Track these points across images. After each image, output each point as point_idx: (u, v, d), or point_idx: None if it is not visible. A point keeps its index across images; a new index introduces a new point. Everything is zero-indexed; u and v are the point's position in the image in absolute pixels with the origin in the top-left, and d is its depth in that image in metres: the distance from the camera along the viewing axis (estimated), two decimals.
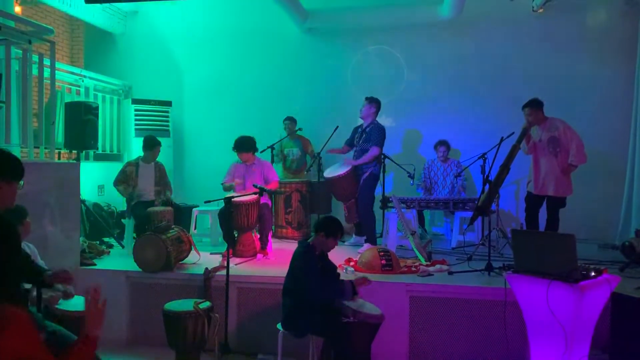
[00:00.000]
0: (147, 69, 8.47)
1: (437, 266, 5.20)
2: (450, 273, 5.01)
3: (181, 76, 8.46)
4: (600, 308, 3.28)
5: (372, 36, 7.89)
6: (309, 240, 4.17)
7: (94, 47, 8.70)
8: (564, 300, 3.03)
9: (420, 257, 5.42)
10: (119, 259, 5.70)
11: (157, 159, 6.50)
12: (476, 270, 5.05)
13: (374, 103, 6.30)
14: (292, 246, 6.68)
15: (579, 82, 7.20)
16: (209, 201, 5.03)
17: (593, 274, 3.12)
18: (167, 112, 8.06)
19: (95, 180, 7.41)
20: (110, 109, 8.05)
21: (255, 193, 4.65)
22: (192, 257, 5.55)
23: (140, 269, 5.09)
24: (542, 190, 5.87)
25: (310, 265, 4.01)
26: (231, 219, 5.36)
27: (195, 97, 8.42)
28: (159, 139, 7.69)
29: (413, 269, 5.14)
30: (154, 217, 5.84)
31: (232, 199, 4.91)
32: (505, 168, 5.34)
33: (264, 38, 8.14)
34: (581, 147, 5.63)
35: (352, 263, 5.28)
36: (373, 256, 5.16)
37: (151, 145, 6.23)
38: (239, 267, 5.33)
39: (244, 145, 6.04)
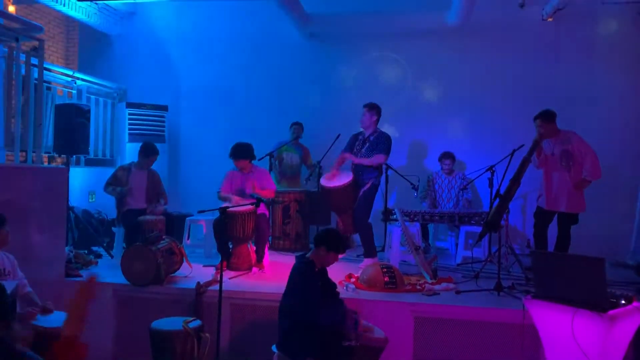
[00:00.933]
0: (143, 72, 8.21)
1: (443, 284, 4.91)
2: (458, 292, 4.73)
3: (178, 80, 8.20)
4: (629, 339, 3.00)
5: (376, 42, 7.64)
6: (307, 255, 3.89)
7: (89, 48, 8.44)
8: (590, 330, 2.75)
9: (425, 274, 5.13)
10: (106, 271, 5.39)
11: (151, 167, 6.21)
12: (485, 290, 4.76)
13: (375, 110, 5.96)
14: (289, 259, 6.40)
15: (590, 92, 6.96)
16: (203, 211, 4.73)
17: (623, 302, 2.84)
18: (163, 117, 7.79)
19: (85, 186, 7.13)
20: (104, 113, 7.77)
21: (252, 203, 4.36)
22: (184, 269, 5.25)
23: (128, 282, 4.79)
24: (554, 205, 5.60)
25: (310, 283, 3.73)
26: (226, 229, 5.07)
27: (192, 102, 8.16)
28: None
29: (418, 287, 4.85)
30: (145, 226, 5.57)
31: (228, 209, 4.61)
32: (515, 182, 5.08)
33: (264, 43, 7.89)
34: (596, 162, 5.38)
35: (353, 279, 4.99)
36: (375, 272, 4.87)
37: (147, 153, 5.94)
38: (233, 282, 5.04)
39: (241, 152, 5.76)
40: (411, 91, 7.49)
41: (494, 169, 5.99)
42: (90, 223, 6.72)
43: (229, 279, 5.06)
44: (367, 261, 5.76)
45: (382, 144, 5.84)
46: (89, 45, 8.44)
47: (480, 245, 6.31)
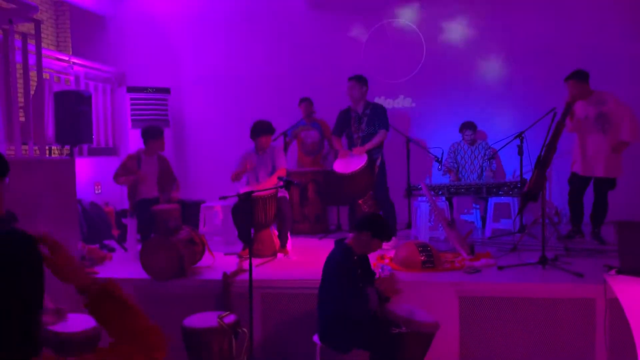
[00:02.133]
0: (142, 55, 7.81)
1: (483, 260, 4.63)
2: (500, 268, 4.46)
3: (179, 61, 7.80)
4: None
5: (388, 9, 7.24)
6: (346, 241, 3.59)
7: (82, 32, 8.00)
8: None
9: (461, 250, 4.85)
10: (123, 265, 5.10)
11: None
12: (529, 264, 4.49)
13: (364, 82, 5.62)
14: (310, 243, 6.20)
15: (620, 56, 6.60)
16: (225, 197, 4.43)
17: None
18: (165, 100, 7.42)
19: (90, 177, 6.79)
20: (103, 99, 7.39)
21: (279, 186, 4.04)
22: (205, 259, 4.95)
23: (149, 277, 4.49)
24: (590, 171, 5.32)
25: (347, 272, 3.43)
26: (250, 215, 4.76)
27: (196, 83, 7.77)
28: None
29: (457, 265, 4.57)
30: (160, 216, 5.23)
31: (252, 194, 4.30)
32: (551, 148, 4.80)
33: (269, 16, 7.50)
34: (636, 122, 5.07)
35: (386, 260, 4.71)
36: (411, 252, 4.59)
37: (146, 137, 5.58)
38: (260, 270, 4.75)
39: (264, 129, 5.44)
40: (426, 59, 7.12)
41: (523, 135, 5.73)
42: (99, 216, 6.40)
43: (255, 267, 4.75)
44: (392, 240, 5.47)
45: (381, 116, 5.57)
46: (82, 28, 8.00)
47: (510, 217, 6.05)
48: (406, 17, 7.16)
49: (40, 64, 4.62)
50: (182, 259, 4.43)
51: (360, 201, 5.77)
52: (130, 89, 7.23)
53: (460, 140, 6.66)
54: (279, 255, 5.18)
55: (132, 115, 7.15)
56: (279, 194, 5.31)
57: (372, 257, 4.72)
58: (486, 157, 6.49)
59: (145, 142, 5.60)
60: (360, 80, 5.60)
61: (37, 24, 4.53)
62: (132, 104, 7.17)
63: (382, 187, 5.59)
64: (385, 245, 5.42)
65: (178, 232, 4.68)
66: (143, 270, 4.50)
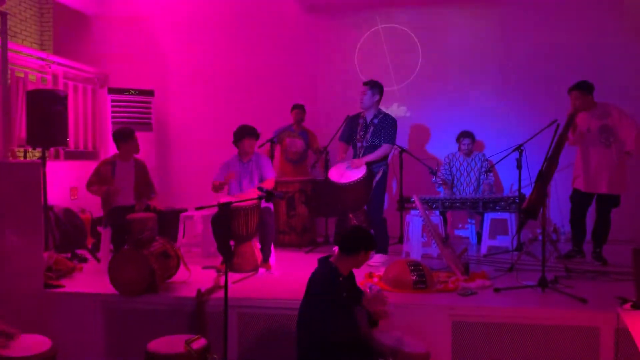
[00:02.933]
0: (126, 55, 7.48)
1: (478, 281, 4.31)
2: (497, 290, 4.13)
3: (165, 62, 7.49)
4: None
5: (382, 13, 6.95)
6: (330, 259, 3.26)
7: (65, 30, 7.67)
8: None
9: (455, 270, 4.53)
10: (93, 278, 4.75)
11: (136, 155, 5.53)
12: (527, 286, 4.17)
13: (377, 89, 5.29)
14: (296, 256, 5.87)
15: (622, 62, 6.33)
16: (202, 207, 4.09)
17: None
18: (149, 102, 7.09)
19: (67, 182, 6.44)
20: (84, 100, 7.05)
21: (260, 197, 3.72)
22: (181, 273, 4.60)
23: (118, 292, 4.14)
24: (593, 187, 5.03)
25: (333, 297, 3.11)
26: (227, 227, 4.43)
27: (182, 86, 7.46)
28: (141, 133, 6.79)
29: (450, 285, 4.24)
30: (134, 225, 4.89)
31: (231, 205, 3.97)
32: (553, 162, 4.49)
33: (260, 18, 7.20)
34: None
35: (375, 279, 4.38)
36: (401, 271, 4.26)
37: (124, 137, 5.25)
38: (238, 286, 4.41)
39: (248, 131, 5.15)
40: (423, 66, 6.82)
41: (522, 147, 5.44)
42: (73, 223, 6.04)
43: (233, 283, 4.43)
44: (378, 257, 5.18)
45: (389, 128, 5.21)
46: (64, 26, 7.68)
47: (508, 233, 5.74)
48: (402, 22, 6.87)
49: (5, 59, 4.28)
50: (154, 273, 4.09)
51: (350, 215, 5.43)
52: (112, 90, 6.90)
53: (456, 151, 6.36)
54: (261, 270, 4.85)
55: (112, 117, 6.82)
56: (262, 204, 4.99)
57: (360, 275, 4.43)
58: (483, 170, 6.19)
59: (117, 145, 5.28)
60: (373, 86, 5.27)
61: (3, 16, 4.19)
62: (113, 106, 6.84)
63: (377, 203, 5.25)
64: (374, 262, 5.14)
65: (151, 243, 4.34)
66: (112, 284, 4.15)
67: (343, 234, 3.29)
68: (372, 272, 4.59)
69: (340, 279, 3.20)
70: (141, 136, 6.88)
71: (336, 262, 3.23)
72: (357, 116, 5.41)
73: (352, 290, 3.36)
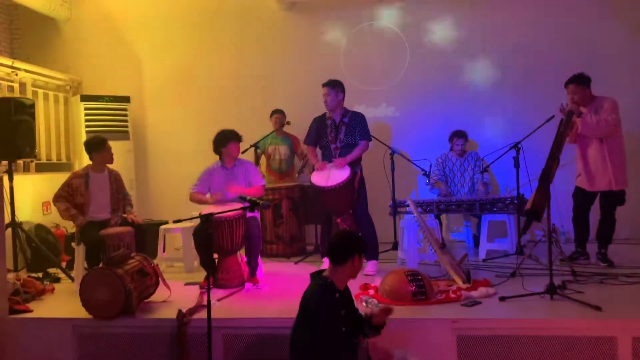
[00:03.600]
0: (99, 61, 7.12)
1: (482, 290, 4.02)
2: (502, 299, 3.84)
3: (140, 67, 7.12)
4: None
5: (367, 10, 6.65)
6: (324, 274, 2.94)
7: (34, 36, 7.28)
8: None
9: (456, 278, 4.23)
10: (65, 300, 4.38)
11: (110, 166, 5.18)
12: (535, 294, 3.87)
13: (340, 87, 5.00)
14: (285, 268, 5.45)
15: (617, 56, 6.09)
16: (180, 220, 3.77)
17: None
18: (124, 109, 6.72)
19: (38, 196, 6.05)
20: (56, 109, 6.66)
21: (244, 208, 3.38)
22: (161, 291, 4.25)
23: (91, 316, 3.78)
24: (596, 185, 4.78)
25: (330, 316, 2.80)
26: (211, 240, 4.09)
27: (158, 91, 7.09)
28: (117, 142, 6.44)
29: (452, 295, 3.94)
30: (109, 241, 4.55)
31: (214, 216, 3.64)
32: (554, 160, 4.20)
33: (238, 18, 6.87)
34: (608, 120, 4.57)
35: (371, 292, 4.07)
36: (399, 281, 3.95)
37: (96, 146, 4.90)
38: (223, 304, 4.07)
39: (235, 134, 4.85)
40: (411, 64, 6.53)
41: (519, 145, 5.18)
42: (45, 240, 5.67)
43: (218, 301, 4.09)
44: (373, 265, 4.88)
45: (362, 125, 4.97)
46: (34, 32, 7.29)
47: (507, 235, 5.46)
48: (388, 19, 6.58)
49: None
50: (129, 293, 3.73)
51: (338, 219, 5.10)
52: (85, 98, 6.52)
53: (449, 152, 6.08)
54: (247, 285, 4.51)
55: (86, 126, 6.44)
56: (248, 214, 4.67)
57: (355, 287, 4.12)
58: (477, 169, 5.92)
59: (89, 155, 4.93)
60: (335, 86, 5.00)
61: None
62: (86, 114, 6.46)
63: (362, 203, 4.97)
64: (369, 270, 4.83)
65: (126, 261, 3.98)
66: (84, 307, 3.79)
67: (330, 242, 2.97)
68: (367, 284, 4.27)
69: (337, 295, 2.88)
70: (118, 145, 6.59)
71: (331, 276, 2.91)
72: (323, 117, 5.12)
73: (350, 306, 3.05)
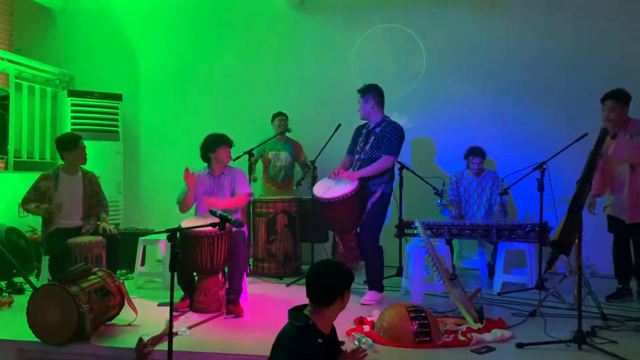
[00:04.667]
0: (94, 55, 6.68)
1: (496, 332, 3.43)
2: (520, 346, 3.24)
3: (136, 64, 6.67)
4: None
5: (381, 12, 6.12)
6: (305, 312, 2.39)
7: (27, 26, 6.87)
8: None
9: (467, 316, 3.64)
10: (17, 316, 3.83)
11: (86, 167, 4.68)
12: (559, 341, 3.27)
13: (371, 94, 4.44)
14: (275, 291, 4.79)
15: None
16: (152, 232, 3.26)
17: None
18: (116, 107, 6.25)
19: (13, 197, 5.56)
20: (42, 104, 6.20)
21: (212, 225, 2.83)
22: (127, 312, 3.71)
23: (39, 339, 3.26)
24: (627, 215, 4.20)
25: None
26: (175, 262, 3.56)
27: (154, 90, 6.63)
28: (106, 143, 5.97)
29: (461, 337, 3.35)
30: (77, 251, 4.06)
31: (189, 230, 3.10)
32: (586, 184, 3.62)
33: (242, 16, 6.40)
34: None
35: (367, 328, 3.49)
36: (400, 318, 3.37)
37: (67, 144, 4.40)
38: (195, 333, 3.52)
39: (225, 138, 4.36)
40: (427, 71, 5.98)
41: (544, 166, 4.59)
42: (16, 245, 5.18)
43: (188, 329, 3.54)
44: (372, 295, 4.33)
45: (390, 137, 4.32)
46: (26, 22, 6.87)
47: (526, 265, 4.86)
48: (404, 22, 6.04)
49: None
50: (83, 315, 3.20)
51: (338, 239, 4.53)
52: (72, 93, 6.06)
53: (464, 169, 5.50)
54: (223, 317, 3.91)
55: (73, 124, 5.96)
56: (233, 228, 4.13)
57: (348, 319, 3.57)
58: (494, 189, 5.33)
59: (60, 155, 4.43)
60: (364, 93, 4.46)
61: None
62: (73, 111, 5.99)
63: (371, 227, 4.35)
64: (366, 300, 4.26)
65: (85, 277, 3.46)
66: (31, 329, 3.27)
67: (309, 280, 2.41)
68: (363, 317, 3.69)
69: (319, 341, 2.32)
70: (106, 146, 6.15)
71: (313, 317, 2.35)
72: (363, 125, 4.58)
73: (335, 351, 2.49)
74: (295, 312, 2.41)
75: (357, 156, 4.43)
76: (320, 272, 2.38)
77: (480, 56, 5.84)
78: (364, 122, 4.60)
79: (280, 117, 5.74)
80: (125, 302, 3.66)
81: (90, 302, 3.31)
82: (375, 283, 4.37)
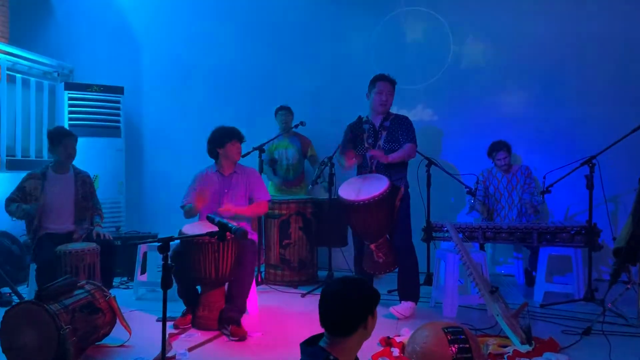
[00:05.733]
0: (95, 47, 6.26)
1: (549, 356, 2.91)
2: None
3: (139, 56, 6.22)
4: None
5: None
6: (325, 346, 1.88)
7: (23, 16, 6.45)
8: None
9: (512, 336, 3.11)
10: None
11: (85, 165, 4.25)
12: None
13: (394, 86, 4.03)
14: (289, 303, 4.23)
15: None
16: (152, 240, 2.79)
17: None
18: (117, 101, 5.80)
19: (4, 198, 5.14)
20: (38, 98, 5.77)
21: (209, 234, 2.33)
22: (119, 331, 3.25)
23: None
24: None
25: None
26: (189, 267, 3.10)
27: (158, 83, 6.18)
28: (106, 139, 5.57)
29: None
30: (67, 260, 3.61)
31: (190, 238, 2.63)
32: None
33: (250, 4, 5.90)
34: None
35: (396, 352, 2.99)
36: (436, 341, 2.84)
37: (54, 138, 3.96)
38: (195, 356, 3.05)
39: (237, 132, 3.87)
40: (455, 59, 5.43)
41: (593, 161, 4.05)
42: (7, 251, 4.77)
43: (189, 351, 3.07)
44: (407, 306, 3.79)
45: (406, 128, 3.94)
46: (23, 11, 6.46)
47: (571, 270, 4.32)
48: (431, 3, 5.49)
49: None
50: (64, 338, 2.74)
51: (372, 246, 3.96)
52: (70, 86, 5.62)
53: (492, 167, 4.96)
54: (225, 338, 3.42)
55: (70, 120, 5.54)
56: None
57: (372, 340, 3.08)
58: (527, 188, 4.78)
59: (53, 150, 3.98)
60: (394, 83, 4.02)
61: None
62: (70, 105, 5.56)
63: (403, 229, 3.88)
64: (399, 311, 3.76)
65: (69, 292, 2.99)
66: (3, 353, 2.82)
67: (323, 305, 1.90)
68: (390, 338, 3.18)
69: None
70: (107, 143, 5.73)
71: (333, 350, 1.85)
72: (359, 122, 4.07)
73: None
74: (309, 346, 1.91)
75: (368, 154, 3.93)
76: (337, 296, 1.87)
77: (516, 43, 5.26)
78: (357, 118, 4.09)
79: (281, 112, 5.27)
80: (118, 319, 3.20)
81: (75, 322, 2.85)
82: (411, 293, 3.86)
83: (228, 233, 2.33)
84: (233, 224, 2.44)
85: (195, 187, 3.88)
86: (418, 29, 5.53)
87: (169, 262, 2.36)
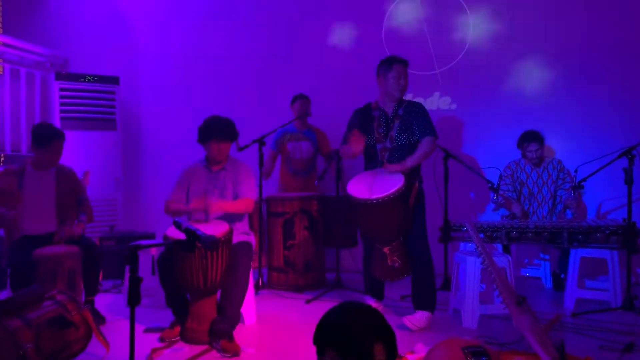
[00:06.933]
0: (90, 36, 5.94)
1: None
2: None
3: (136, 44, 5.88)
4: None
5: None
6: None
7: (14, 2, 6.15)
8: None
9: (542, 355, 2.69)
10: None
11: (77, 160, 3.91)
12: None
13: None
14: (292, 310, 3.80)
15: None
16: (140, 247, 2.40)
17: None
18: (112, 92, 5.48)
19: None
20: (29, 90, 5.46)
21: (180, 243, 1.94)
22: (95, 347, 2.89)
23: None
24: None
25: None
26: (176, 274, 2.73)
27: (157, 73, 5.87)
28: (101, 133, 5.26)
29: None
30: (44, 265, 3.28)
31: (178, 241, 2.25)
32: None
33: None
34: None
35: None
36: (453, 358, 2.45)
37: (41, 140, 3.61)
38: None
39: (220, 129, 3.44)
40: (474, 42, 4.99)
41: (633, 152, 3.60)
42: None
43: None
44: (422, 316, 3.38)
45: (422, 117, 3.50)
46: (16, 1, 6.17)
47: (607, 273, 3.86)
48: None
49: None
50: (24, 358, 2.38)
51: (386, 249, 3.54)
52: (60, 76, 5.30)
53: (520, 159, 4.51)
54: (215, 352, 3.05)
55: (61, 112, 5.22)
56: (236, 238, 3.29)
57: None
58: (559, 183, 4.34)
59: (35, 148, 3.64)
60: (407, 65, 3.59)
61: None
62: (61, 97, 5.24)
63: (418, 229, 3.48)
64: (411, 322, 3.36)
65: (35, 304, 2.64)
66: None
67: (324, 337, 1.52)
68: (402, 356, 2.78)
69: None
70: (101, 137, 5.41)
71: None
72: (368, 108, 3.64)
73: None
74: None
75: (379, 145, 3.51)
76: (341, 327, 1.49)
77: (540, 26, 4.79)
78: (365, 104, 3.67)
79: (300, 100, 4.84)
80: (94, 333, 2.84)
81: (40, 339, 2.49)
82: (426, 301, 3.44)
83: (197, 242, 1.95)
84: (202, 231, 2.06)
85: (180, 182, 3.56)
86: (435, 8, 5.08)
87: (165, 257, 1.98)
